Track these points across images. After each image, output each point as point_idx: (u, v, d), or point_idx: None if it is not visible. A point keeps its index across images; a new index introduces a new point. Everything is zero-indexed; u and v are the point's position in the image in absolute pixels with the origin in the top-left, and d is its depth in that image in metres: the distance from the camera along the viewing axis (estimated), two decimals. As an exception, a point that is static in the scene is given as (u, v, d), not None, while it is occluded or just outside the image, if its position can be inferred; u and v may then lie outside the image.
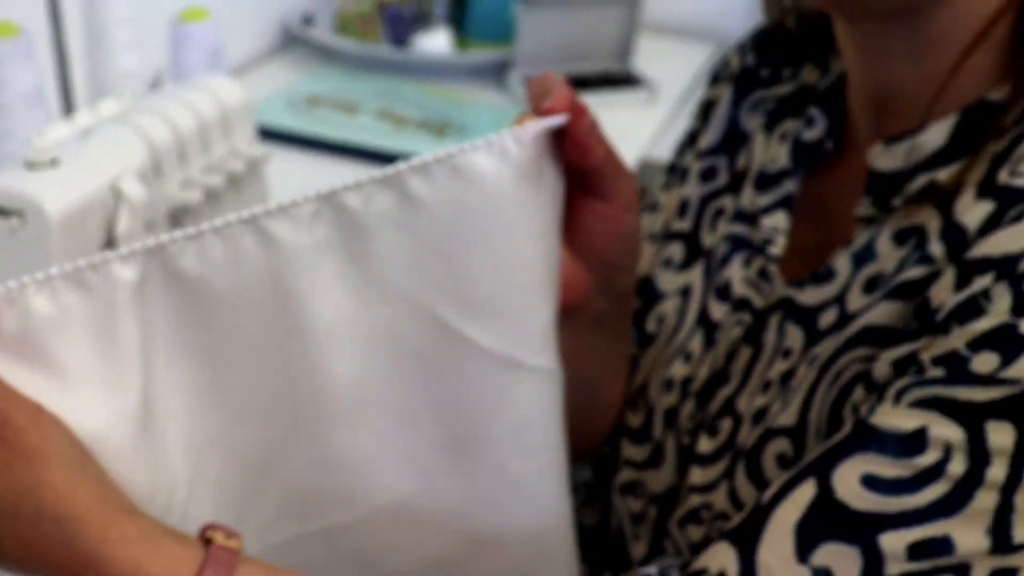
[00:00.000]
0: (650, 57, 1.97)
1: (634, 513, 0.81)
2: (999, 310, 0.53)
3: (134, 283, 0.52)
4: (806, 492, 0.55)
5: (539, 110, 0.59)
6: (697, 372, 0.77)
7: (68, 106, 1.21)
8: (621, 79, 1.90)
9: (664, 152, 1.49)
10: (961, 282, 0.56)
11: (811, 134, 0.76)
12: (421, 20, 1.98)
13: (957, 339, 0.54)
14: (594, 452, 0.85)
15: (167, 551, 0.51)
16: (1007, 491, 0.51)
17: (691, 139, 0.89)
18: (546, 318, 0.60)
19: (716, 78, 0.89)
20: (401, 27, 1.95)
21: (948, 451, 0.52)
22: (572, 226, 0.65)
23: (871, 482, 0.54)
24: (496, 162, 0.56)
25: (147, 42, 1.11)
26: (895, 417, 0.54)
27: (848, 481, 0.54)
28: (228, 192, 0.97)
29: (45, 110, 1.05)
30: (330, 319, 0.57)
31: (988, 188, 0.58)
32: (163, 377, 0.55)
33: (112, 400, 0.53)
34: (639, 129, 1.72)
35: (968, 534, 0.52)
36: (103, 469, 0.52)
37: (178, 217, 0.92)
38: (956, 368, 0.53)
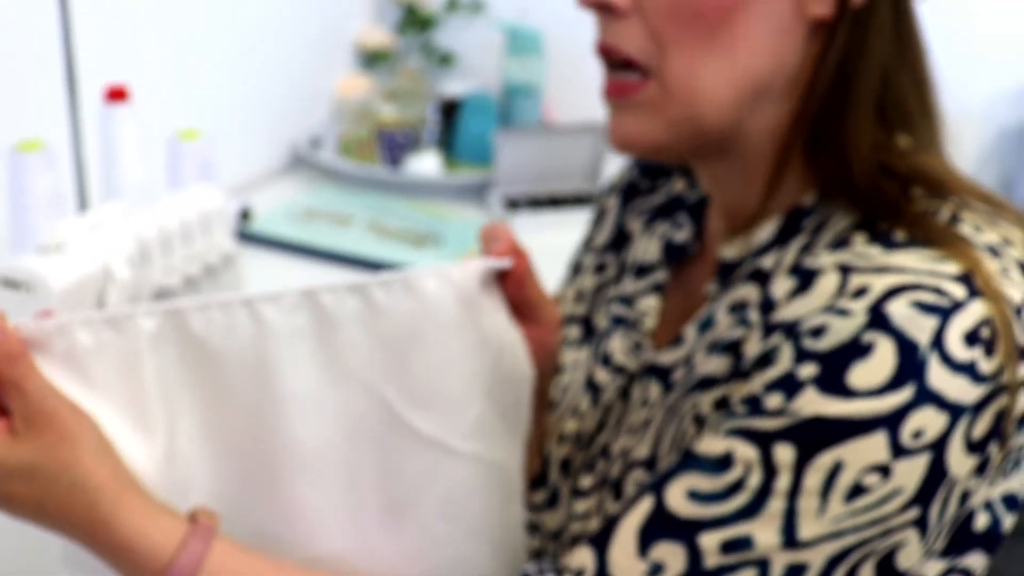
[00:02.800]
0: (618, 180, 2.17)
1: (534, 550, 0.98)
2: (784, 360, 0.70)
3: (152, 333, 0.70)
4: (646, 504, 0.71)
5: (487, 252, 0.78)
6: (585, 427, 0.95)
7: (84, 208, 1.44)
8: (591, 198, 2.10)
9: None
10: (763, 339, 0.73)
11: (680, 236, 0.94)
12: (414, 144, 2.20)
13: (756, 383, 0.71)
14: None
15: (163, 520, 0.69)
16: (792, 497, 0.67)
17: (586, 242, 1.08)
18: (475, 414, 0.74)
19: (608, 190, 1.08)
20: (396, 150, 2.18)
21: (748, 468, 0.68)
22: None
23: (693, 495, 0.69)
24: (441, 286, 0.72)
25: (150, 155, 1.34)
26: (710, 444, 0.71)
27: (676, 494, 0.70)
28: (204, 280, 1.18)
29: (63, 211, 1.27)
30: (299, 389, 0.71)
31: (794, 269, 0.75)
32: (169, 405, 0.72)
33: (129, 413, 0.71)
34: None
35: (765, 533, 0.67)
36: (120, 456, 0.70)
37: (161, 298, 1.12)
38: (754, 405, 0.70)
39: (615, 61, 0.80)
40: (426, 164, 2.17)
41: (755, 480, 0.68)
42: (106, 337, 0.69)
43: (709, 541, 0.68)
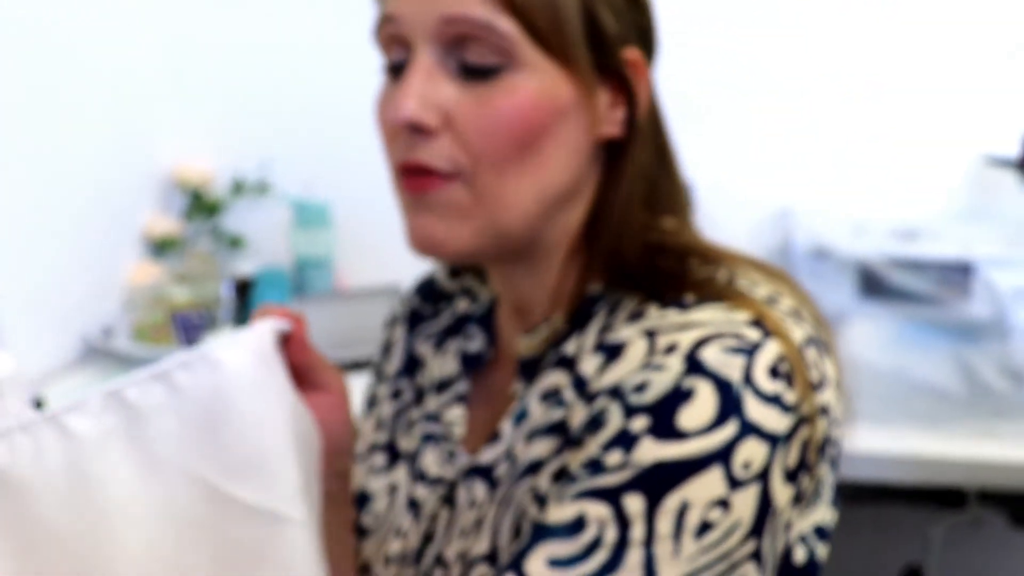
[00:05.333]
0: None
1: None
2: (615, 419, 0.74)
3: None
4: None
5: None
6: (410, 544, 0.95)
7: None
8: (391, 360, 2.13)
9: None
10: (587, 406, 0.78)
11: (473, 346, 0.98)
12: (210, 323, 2.20)
13: (592, 447, 0.75)
14: None
15: None
16: (648, 545, 0.71)
17: (378, 374, 1.11)
18: (296, 476, 0.73)
19: (392, 323, 1.11)
20: (192, 331, 2.17)
21: (603, 525, 0.72)
22: None
23: (554, 562, 0.72)
24: (237, 352, 0.72)
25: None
26: (560, 512, 0.74)
27: (536, 566, 0.72)
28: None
29: None
30: (120, 497, 0.69)
31: (598, 347, 0.81)
32: None
33: None
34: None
35: None
36: None
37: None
38: (595, 466, 0.73)
39: (423, 174, 0.82)
40: (223, 342, 2.16)
41: (611, 535, 0.71)
42: None
43: None
